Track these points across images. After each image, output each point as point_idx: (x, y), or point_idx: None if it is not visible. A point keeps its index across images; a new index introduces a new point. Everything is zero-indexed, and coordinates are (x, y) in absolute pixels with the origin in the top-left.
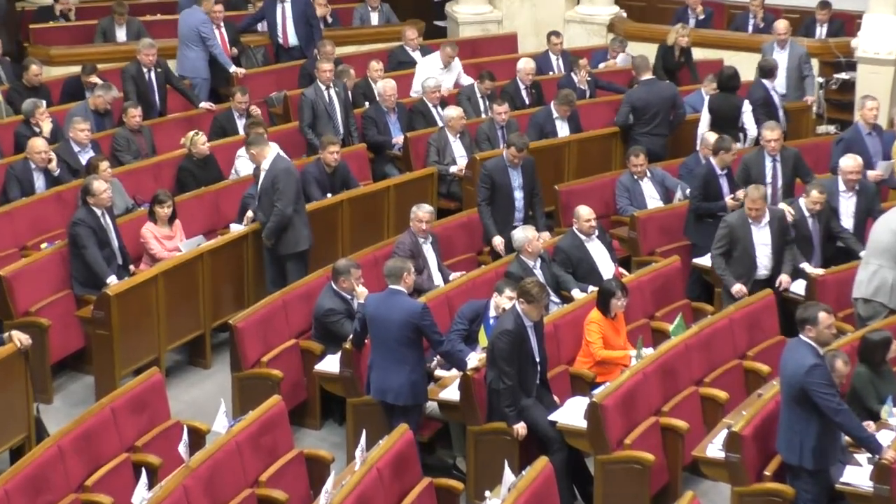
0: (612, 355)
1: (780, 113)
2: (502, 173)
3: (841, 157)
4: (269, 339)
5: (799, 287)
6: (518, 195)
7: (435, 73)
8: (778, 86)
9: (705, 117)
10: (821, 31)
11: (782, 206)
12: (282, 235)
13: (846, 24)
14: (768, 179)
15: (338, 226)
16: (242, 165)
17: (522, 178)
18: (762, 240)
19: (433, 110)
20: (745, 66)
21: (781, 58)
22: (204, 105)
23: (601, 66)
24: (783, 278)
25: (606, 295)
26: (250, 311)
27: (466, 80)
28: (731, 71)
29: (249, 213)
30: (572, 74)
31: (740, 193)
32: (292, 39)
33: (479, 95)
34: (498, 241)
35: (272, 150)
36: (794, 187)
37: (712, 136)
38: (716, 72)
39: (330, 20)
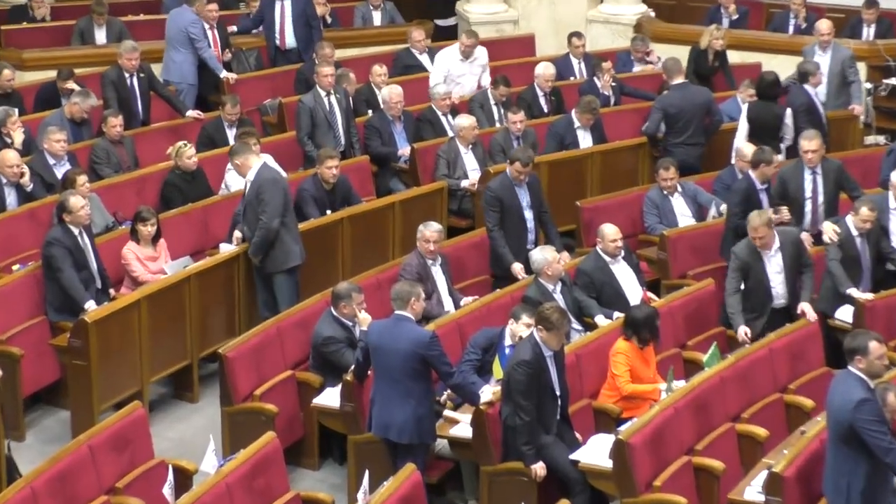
0: (640, 389)
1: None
2: (510, 193)
3: (892, 170)
4: (263, 370)
5: (846, 314)
6: (528, 215)
7: (454, 67)
8: (818, 92)
9: (743, 127)
10: (868, 31)
11: (827, 225)
12: (269, 252)
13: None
14: (808, 194)
15: (338, 246)
16: (233, 180)
17: (530, 196)
18: (775, 268)
19: (443, 119)
20: (786, 70)
21: (823, 61)
22: (191, 114)
23: (636, 69)
24: (804, 308)
25: (634, 322)
26: (242, 340)
27: (486, 80)
28: (772, 77)
29: (238, 233)
30: (595, 79)
31: (785, 211)
32: (290, 41)
33: (492, 103)
34: (518, 268)
35: (258, 160)
36: (838, 203)
37: (749, 148)
38: (752, 77)
39: (329, 20)
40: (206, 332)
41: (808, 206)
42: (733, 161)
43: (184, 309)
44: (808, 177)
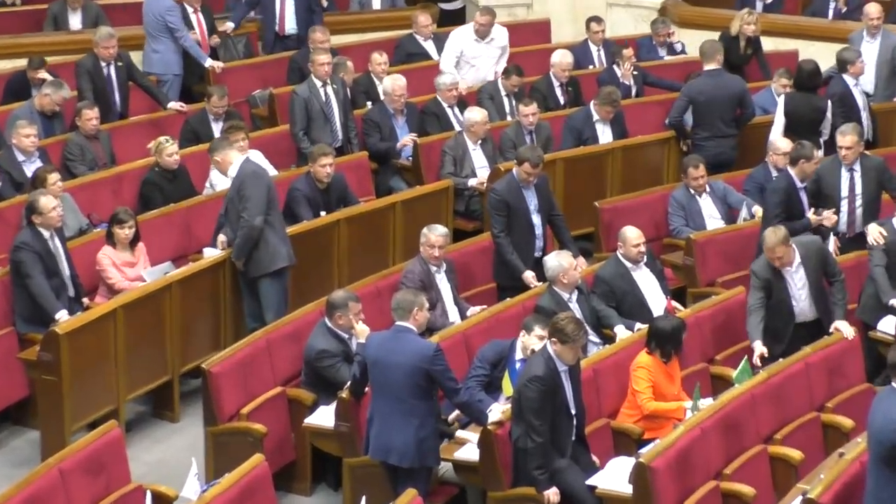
0: (663, 407)
1: (864, 115)
2: (516, 195)
3: None
4: (250, 386)
5: (889, 325)
6: (536, 220)
7: (469, 48)
8: (865, 82)
9: (779, 121)
10: None
11: (872, 227)
12: (253, 253)
13: None
14: (844, 193)
15: (333, 250)
16: (219, 178)
17: (538, 198)
18: (798, 283)
19: (449, 112)
20: (825, 58)
21: (871, 49)
22: (173, 106)
23: (661, 56)
24: (839, 326)
25: (658, 334)
26: (227, 353)
27: (502, 67)
28: (812, 66)
29: (222, 236)
30: (615, 68)
31: (828, 214)
32: (290, 26)
33: (503, 94)
34: (530, 276)
35: (239, 156)
36: (880, 205)
37: (784, 143)
38: (788, 66)
39: (325, 3)
40: (188, 345)
41: (845, 207)
42: (768, 158)
43: (164, 320)
44: (844, 174)
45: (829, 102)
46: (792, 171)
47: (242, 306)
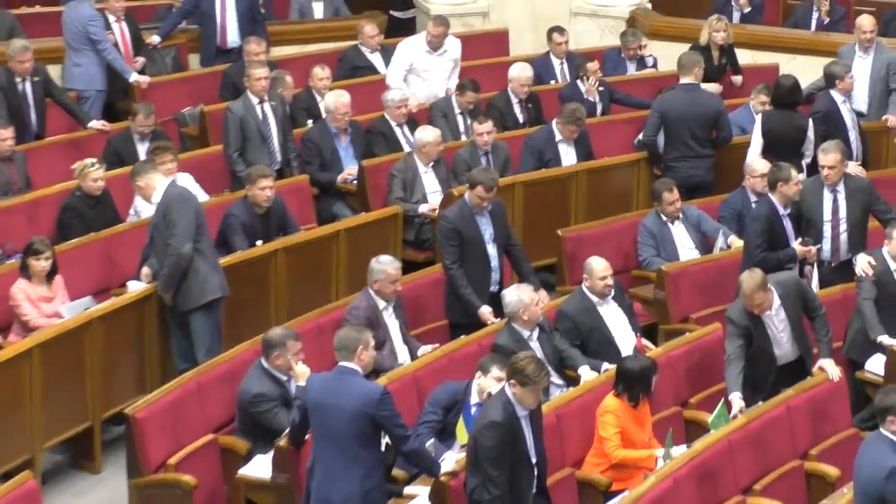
0: (632, 455)
1: (853, 135)
2: (469, 223)
3: None
4: (179, 433)
5: (878, 365)
6: (491, 250)
7: (420, 59)
8: (857, 101)
9: (756, 141)
10: None
11: (861, 257)
12: (181, 284)
13: None
14: (826, 217)
15: (271, 283)
16: (144, 204)
17: (493, 226)
18: (779, 326)
19: (398, 131)
20: (808, 73)
21: (863, 65)
22: (94, 125)
23: (629, 70)
24: (824, 365)
25: (626, 376)
26: (154, 397)
27: (454, 82)
28: (791, 82)
29: (146, 269)
30: (579, 82)
31: (811, 248)
32: (232, 39)
33: (457, 111)
34: (487, 312)
35: (163, 180)
36: (866, 230)
37: (760, 163)
38: (767, 81)
39: (263, 11)
40: (110, 388)
41: (828, 232)
42: (745, 181)
43: (84, 360)
44: (827, 196)
45: (811, 121)
46: (773, 197)
47: (171, 345)
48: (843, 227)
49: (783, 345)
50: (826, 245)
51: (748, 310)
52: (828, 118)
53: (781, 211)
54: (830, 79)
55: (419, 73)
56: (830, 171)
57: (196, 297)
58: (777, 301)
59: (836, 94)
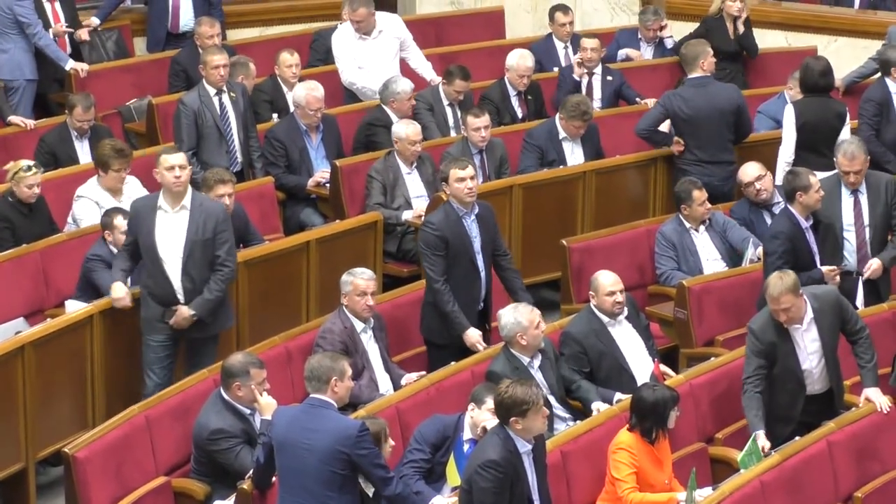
0: (649, 499)
1: None
2: (456, 228)
3: None
4: (126, 476)
5: None
6: (481, 261)
7: (356, 50)
8: None
9: (789, 136)
10: None
11: (874, 262)
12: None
13: None
14: (848, 221)
15: (231, 301)
16: (84, 211)
17: (480, 231)
18: (810, 346)
19: None
20: (850, 57)
21: None
22: (13, 119)
23: (645, 54)
24: (869, 395)
25: (642, 408)
26: (97, 434)
27: (416, 58)
28: (823, 64)
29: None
30: (575, 64)
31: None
32: (186, 22)
33: (445, 103)
34: (475, 336)
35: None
36: (888, 233)
37: (754, 169)
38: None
39: None
40: (46, 424)
41: (852, 238)
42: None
43: (15, 392)
44: (846, 198)
45: (845, 107)
46: (793, 209)
47: (115, 374)
48: (867, 234)
49: (813, 370)
50: (850, 254)
51: (775, 321)
52: (880, 110)
53: (804, 224)
54: (886, 65)
55: (362, 65)
56: (857, 177)
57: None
58: (810, 314)
59: (891, 83)
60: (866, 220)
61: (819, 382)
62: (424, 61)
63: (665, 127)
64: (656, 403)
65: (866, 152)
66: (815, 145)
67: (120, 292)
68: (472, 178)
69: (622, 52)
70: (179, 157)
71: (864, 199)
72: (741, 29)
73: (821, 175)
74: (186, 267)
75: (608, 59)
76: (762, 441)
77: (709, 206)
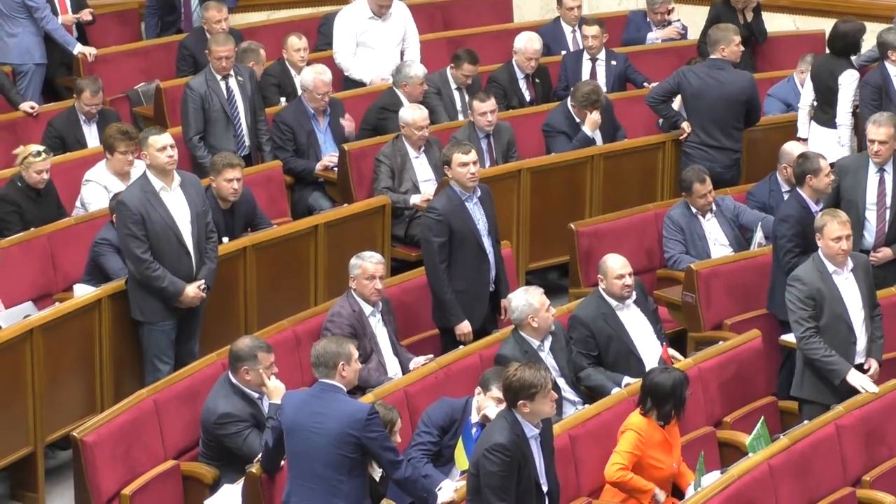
0: (629, 481)
1: None
2: (460, 213)
3: None
4: (135, 459)
5: None
6: (487, 244)
7: (365, 30)
8: None
9: (808, 95)
10: None
11: (886, 250)
12: None
13: None
14: (871, 199)
15: (239, 286)
16: (92, 195)
17: (483, 214)
18: (853, 296)
19: None
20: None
21: None
22: (24, 107)
23: (651, 37)
24: (871, 363)
25: (655, 392)
26: (105, 418)
27: (413, 51)
28: (846, 27)
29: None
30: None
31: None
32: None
33: (453, 87)
34: (465, 329)
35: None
36: None
37: (795, 148)
38: (815, 50)
39: None
40: (55, 409)
41: (872, 217)
42: (778, 171)
43: (24, 376)
44: (872, 175)
45: (850, 73)
46: (802, 193)
47: (123, 358)
48: (888, 214)
49: (858, 326)
50: (870, 234)
51: (819, 269)
52: (879, 93)
53: (814, 207)
54: (883, 48)
55: (368, 44)
56: (882, 147)
57: None
58: (850, 264)
59: (890, 67)
60: (888, 202)
61: (861, 347)
62: (416, 48)
63: (676, 106)
64: (674, 386)
65: (895, 126)
66: (825, 103)
67: (192, 291)
68: (474, 162)
69: (652, 37)
70: (167, 137)
71: (889, 178)
72: (750, 13)
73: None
74: (197, 241)
75: (628, 42)
76: (858, 380)
77: (710, 198)
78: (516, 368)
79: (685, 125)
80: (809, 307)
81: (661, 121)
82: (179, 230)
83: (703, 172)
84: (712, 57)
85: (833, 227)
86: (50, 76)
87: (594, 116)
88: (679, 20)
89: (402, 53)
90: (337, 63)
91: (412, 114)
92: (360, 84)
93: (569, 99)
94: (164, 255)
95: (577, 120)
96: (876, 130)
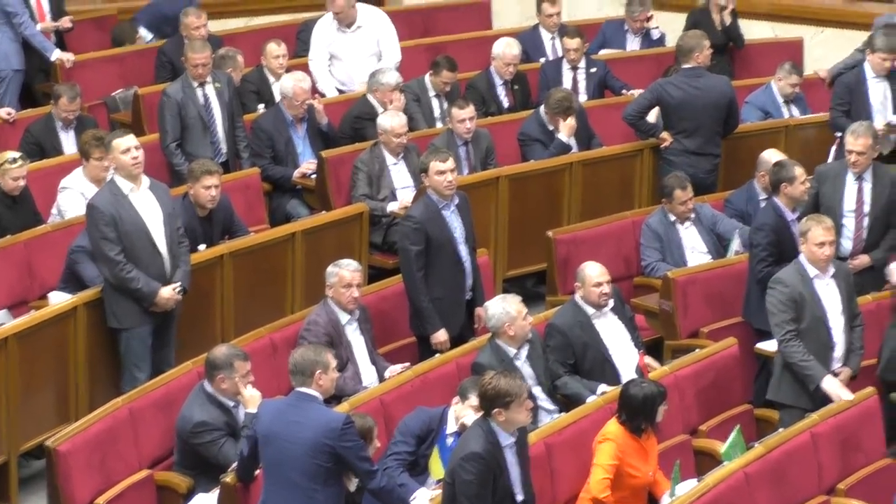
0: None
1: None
2: (437, 221)
3: None
4: (109, 469)
5: None
6: (463, 252)
7: (334, 41)
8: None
9: None
10: None
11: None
12: None
13: None
14: (849, 206)
15: (216, 293)
16: (68, 202)
17: (460, 222)
18: (833, 301)
19: None
20: (836, 48)
21: None
22: (0, 113)
23: (630, 45)
24: (844, 376)
25: (630, 404)
26: (79, 427)
27: (390, 58)
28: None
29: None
30: (565, 61)
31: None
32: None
33: (432, 94)
34: (443, 337)
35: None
36: (886, 229)
37: (773, 156)
38: (793, 58)
39: None
40: (29, 417)
41: (851, 224)
42: (756, 178)
43: None
44: (851, 183)
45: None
46: (778, 201)
47: (97, 367)
48: (865, 221)
49: (837, 332)
50: (847, 241)
51: (801, 272)
52: (850, 93)
53: (789, 216)
54: (869, 44)
55: (338, 56)
56: (860, 158)
57: None
58: (832, 269)
59: (867, 68)
60: (866, 209)
61: (840, 353)
62: (394, 55)
63: (654, 118)
64: (645, 400)
65: (874, 136)
66: None
67: (167, 293)
68: (452, 171)
69: (603, 52)
70: (130, 139)
71: (867, 187)
72: (728, 20)
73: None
74: (170, 242)
75: (592, 51)
76: (832, 386)
77: (690, 205)
78: (492, 377)
79: (665, 135)
80: (790, 310)
81: (626, 110)
82: (150, 231)
83: (685, 179)
84: (687, 66)
85: (817, 233)
86: (28, 82)
87: (570, 122)
88: (658, 27)
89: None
90: (314, 76)
91: (390, 120)
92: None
93: (542, 107)
94: (138, 256)
95: (551, 127)
96: (854, 141)
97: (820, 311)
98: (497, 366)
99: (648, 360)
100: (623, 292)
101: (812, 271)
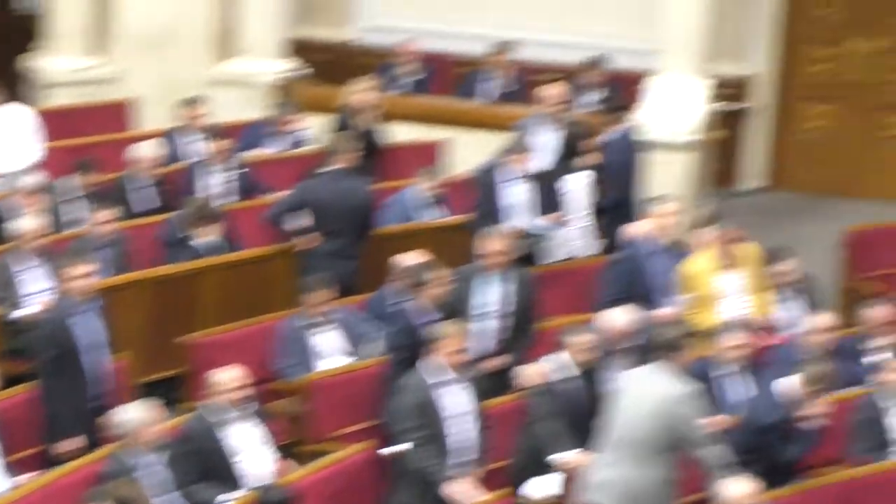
0: None
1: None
2: (63, 326)
3: None
4: None
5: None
6: (93, 357)
7: None
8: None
9: None
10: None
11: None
12: None
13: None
14: (489, 306)
15: None
16: None
17: (95, 327)
18: (461, 409)
19: None
20: (475, 150)
21: (550, 140)
22: None
23: (270, 148)
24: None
25: None
26: None
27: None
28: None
29: None
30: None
31: None
32: None
33: (78, 195)
34: (74, 445)
35: None
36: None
37: (406, 260)
38: (431, 161)
39: None
40: None
41: (488, 326)
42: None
43: None
44: (493, 282)
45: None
46: (415, 303)
47: None
48: (505, 322)
49: (465, 434)
50: (484, 341)
51: (433, 371)
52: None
53: (424, 318)
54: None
55: None
56: (498, 258)
57: None
58: (460, 373)
59: (506, 170)
60: (505, 309)
61: (468, 455)
62: (38, 148)
63: (300, 218)
64: None
65: (511, 238)
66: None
67: None
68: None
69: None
70: None
71: (511, 286)
72: (370, 122)
73: None
74: None
75: (238, 152)
76: (457, 491)
77: (326, 308)
78: (115, 486)
79: (311, 236)
80: (415, 416)
81: (269, 211)
82: None
83: (325, 281)
84: (333, 168)
85: (448, 338)
86: None
87: (211, 229)
88: (306, 129)
89: None
90: None
91: (31, 224)
92: None
93: (180, 212)
94: None
95: (188, 233)
96: (491, 244)
97: (446, 417)
98: (124, 474)
99: (284, 464)
100: (260, 396)
101: (440, 376)
